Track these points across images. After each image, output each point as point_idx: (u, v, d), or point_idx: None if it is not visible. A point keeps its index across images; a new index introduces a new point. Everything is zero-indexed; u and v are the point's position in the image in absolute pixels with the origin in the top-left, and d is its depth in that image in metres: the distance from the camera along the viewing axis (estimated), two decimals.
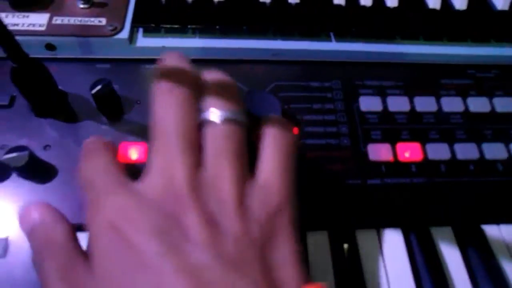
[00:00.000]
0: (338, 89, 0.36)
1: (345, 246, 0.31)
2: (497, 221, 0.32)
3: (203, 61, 0.36)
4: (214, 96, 0.23)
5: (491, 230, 0.32)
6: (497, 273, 0.30)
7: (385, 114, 0.35)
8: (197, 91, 0.23)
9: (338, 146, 0.33)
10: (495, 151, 0.34)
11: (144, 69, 0.35)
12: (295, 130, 0.33)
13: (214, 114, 0.22)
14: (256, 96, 0.32)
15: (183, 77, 0.23)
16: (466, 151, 0.34)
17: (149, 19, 0.38)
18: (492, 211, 0.32)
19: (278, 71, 0.36)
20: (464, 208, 0.32)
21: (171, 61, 0.24)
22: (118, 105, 0.32)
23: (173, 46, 0.37)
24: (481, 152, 0.34)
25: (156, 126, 0.22)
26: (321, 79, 0.36)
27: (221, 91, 0.23)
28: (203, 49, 0.37)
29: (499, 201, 0.32)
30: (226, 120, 0.22)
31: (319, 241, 0.30)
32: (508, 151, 0.34)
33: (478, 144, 0.34)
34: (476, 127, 0.35)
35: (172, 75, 0.23)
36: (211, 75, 0.25)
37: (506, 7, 0.43)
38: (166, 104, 0.22)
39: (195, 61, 0.25)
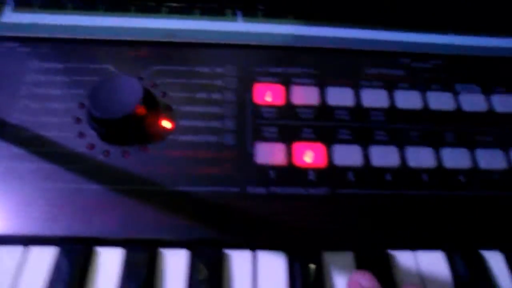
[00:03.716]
0: (232, 76, 0.29)
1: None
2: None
3: (77, 40, 0.30)
4: None
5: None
6: None
7: (286, 108, 0.28)
8: None
9: (220, 145, 0.27)
10: (421, 158, 0.27)
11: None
12: (171, 125, 0.27)
13: None
14: (117, 81, 0.26)
15: None
16: (384, 156, 0.27)
17: None
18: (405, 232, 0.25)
19: (162, 54, 0.30)
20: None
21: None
22: None
23: (46, 23, 0.31)
24: (403, 158, 0.27)
25: None
26: (212, 64, 0.30)
27: None
28: (81, 27, 0.31)
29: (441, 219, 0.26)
30: None
31: (177, 261, 0.24)
32: (438, 158, 0.27)
33: (400, 148, 0.28)
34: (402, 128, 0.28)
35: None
36: None
37: None
38: None
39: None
